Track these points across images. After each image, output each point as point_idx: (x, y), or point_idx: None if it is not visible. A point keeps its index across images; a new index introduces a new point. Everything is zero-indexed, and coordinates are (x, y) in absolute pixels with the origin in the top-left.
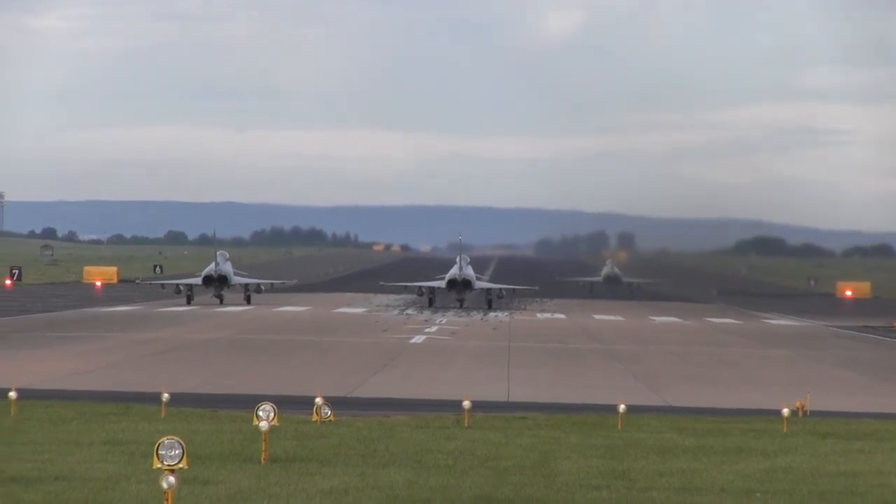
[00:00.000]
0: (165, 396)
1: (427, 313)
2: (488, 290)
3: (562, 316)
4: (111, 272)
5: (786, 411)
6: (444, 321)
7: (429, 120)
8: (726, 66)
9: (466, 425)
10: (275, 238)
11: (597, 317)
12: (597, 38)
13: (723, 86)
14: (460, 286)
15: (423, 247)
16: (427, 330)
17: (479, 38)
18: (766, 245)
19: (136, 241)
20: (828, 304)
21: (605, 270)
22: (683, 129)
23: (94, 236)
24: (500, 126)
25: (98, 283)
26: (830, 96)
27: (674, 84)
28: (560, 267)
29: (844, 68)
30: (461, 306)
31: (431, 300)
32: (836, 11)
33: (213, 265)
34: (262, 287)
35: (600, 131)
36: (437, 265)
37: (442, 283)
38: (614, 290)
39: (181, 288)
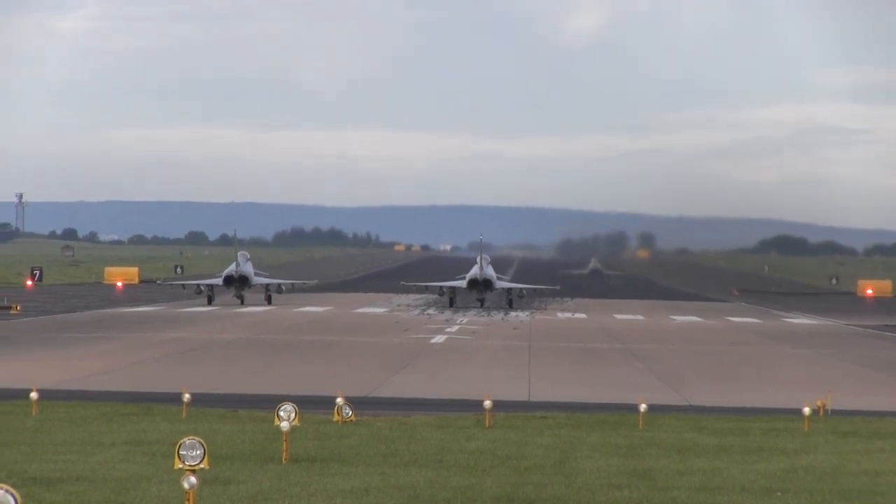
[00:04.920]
0: (186, 397)
1: (448, 313)
2: (509, 289)
3: (582, 315)
4: (132, 273)
5: (807, 410)
6: (464, 321)
7: (450, 119)
8: (749, 65)
9: (487, 425)
10: (295, 238)
11: (617, 316)
12: (620, 39)
13: (746, 86)
14: (481, 286)
15: (444, 246)
16: (448, 330)
17: (501, 38)
18: (788, 244)
19: (157, 241)
20: (849, 303)
21: (591, 266)
22: (706, 128)
23: (115, 237)
24: (522, 125)
25: (119, 284)
26: (853, 96)
27: (696, 84)
28: (580, 267)
29: (867, 68)
30: (482, 306)
31: (452, 300)
32: (860, 10)
33: (233, 265)
34: (283, 287)
35: (623, 131)
36: (457, 265)
37: (463, 283)
38: (597, 281)
39: (202, 288)
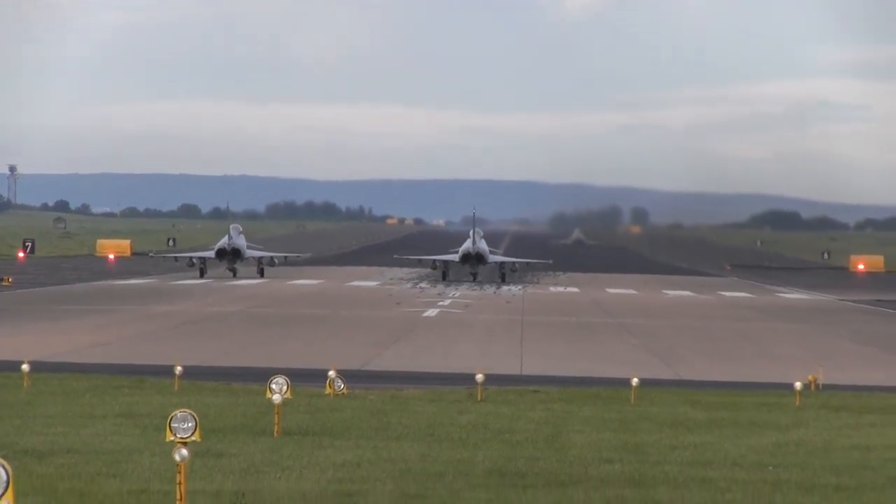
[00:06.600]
0: (178, 369)
1: (440, 287)
2: (501, 263)
3: (575, 289)
4: (124, 245)
5: (798, 385)
6: (457, 295)
7: (445, 94)
8: (744, 42)
9: (479, 399)
10: (288, 211)
11: (610, 290)
12: (616, 15)
13: (740, 62)
14: (474, 260)
15: (437, 220)
16: (440, 303)
17: (497, 13)
18: (781, 219)
19: (150, 214)
20: (841, 278)
21: (574, 236)
22: (700, 104)
23: (107, 209)
24: (517, 101)
25: (111, 256)
26: (848, 72)
27: (691, 60)
28: (564, 238)
29: (863, 45)
30: (474, 280)
31: (445, 274)
32: None
33: (226, 238)
34: (276, 260)
35: (618, 106)
36: (450, 239)
37: (455, 257)
38: (580, 251)
39: (194, 261)
